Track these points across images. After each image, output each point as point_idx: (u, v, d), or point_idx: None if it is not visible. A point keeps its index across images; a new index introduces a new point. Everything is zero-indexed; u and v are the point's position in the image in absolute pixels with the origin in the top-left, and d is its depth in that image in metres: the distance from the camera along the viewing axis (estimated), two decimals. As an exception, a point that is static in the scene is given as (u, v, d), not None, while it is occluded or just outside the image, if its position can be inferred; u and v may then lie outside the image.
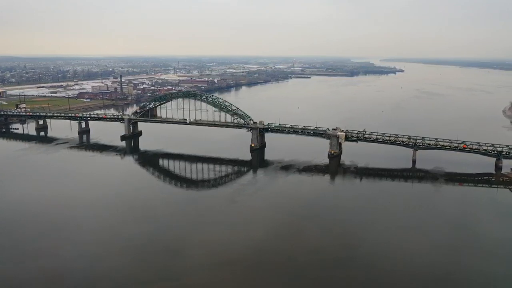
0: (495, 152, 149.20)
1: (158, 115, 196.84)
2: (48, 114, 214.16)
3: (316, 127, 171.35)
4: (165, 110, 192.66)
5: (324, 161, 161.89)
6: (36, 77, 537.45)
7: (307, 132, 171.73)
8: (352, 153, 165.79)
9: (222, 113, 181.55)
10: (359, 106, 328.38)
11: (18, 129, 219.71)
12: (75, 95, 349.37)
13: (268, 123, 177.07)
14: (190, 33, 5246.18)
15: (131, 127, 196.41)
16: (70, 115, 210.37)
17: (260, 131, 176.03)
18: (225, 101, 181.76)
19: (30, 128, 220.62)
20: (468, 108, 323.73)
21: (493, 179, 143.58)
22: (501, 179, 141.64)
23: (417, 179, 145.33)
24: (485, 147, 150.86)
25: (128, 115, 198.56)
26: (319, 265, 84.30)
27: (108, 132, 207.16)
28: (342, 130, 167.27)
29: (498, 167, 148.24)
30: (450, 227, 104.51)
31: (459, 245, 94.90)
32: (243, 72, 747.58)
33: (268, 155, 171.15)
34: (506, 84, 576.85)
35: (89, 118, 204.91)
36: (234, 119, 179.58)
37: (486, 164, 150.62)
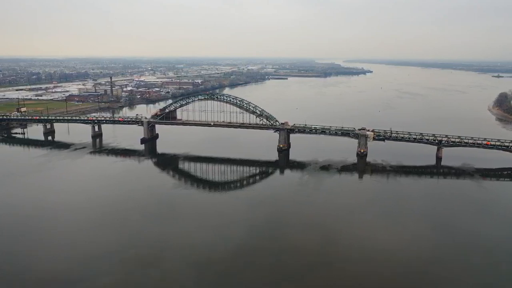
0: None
1: (178, 117, 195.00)
2: (58, 117, 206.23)
3: (342, 127, 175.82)
4: (186, 112, 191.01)
5: (354, 160, 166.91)
6: (10, 79, 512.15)
7: (335, 132, 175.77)
8: (376, 152, 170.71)
9: (246, 115, 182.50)
10: (352, 106, 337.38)
11: (24, 133, 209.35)
12: (63, 98, 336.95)
13: (294, 124, 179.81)
14: (150, 33, 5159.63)
15: (149, 130, 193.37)
16: (83, 118, 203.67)
17: (287, 132, 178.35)
18: (250, 102, 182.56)
19: (32, 132, 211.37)
20: (454, 107, 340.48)
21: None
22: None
23: (445, 175, 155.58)
24: (506, 144, 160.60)
25: (146, 118, 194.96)
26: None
27: (122, 135, 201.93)
28: (369, 130, 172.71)
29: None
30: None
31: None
32: (218, 73, 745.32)
33: (296, 155, 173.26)
34: (475, 84, 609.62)
35: (104, 122, 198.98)
36: (260, 120, 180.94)
37: (504, 160, 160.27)
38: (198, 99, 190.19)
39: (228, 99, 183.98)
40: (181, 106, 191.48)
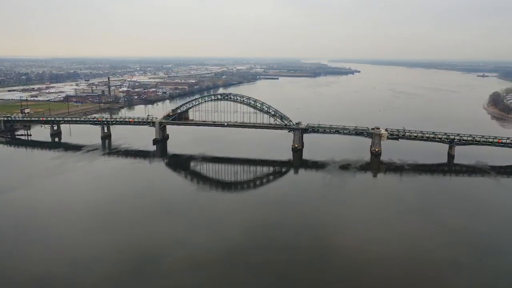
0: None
1: (190, 118, 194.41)
2: (66, 119, 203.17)
3: (356, 127, 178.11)
4: (198, 113, 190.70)
5: (369, 159, 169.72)
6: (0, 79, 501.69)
7: (349, 132, 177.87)
8: (389, 150, 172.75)
9: (258, 115, 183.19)
10: (351, 105, 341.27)
11: (29, 135, 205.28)
12: (59, 99, 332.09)
13: (308, 124, 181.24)
14: (133, 33, 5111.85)
15: (161, 131, 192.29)
16: (92, 119, 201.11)
17: (302, 132, 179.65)
18: (264, 102, 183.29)
19: (36, 133, 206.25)
20: (451, 106, 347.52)
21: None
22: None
23: (457, 173, 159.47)
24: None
25: (157, 118, 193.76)
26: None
27: (131, 136, 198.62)
28: (382, 129, 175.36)
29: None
30: None
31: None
32: (208, 73, 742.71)
33: (311, 155, 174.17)
34: (463, 83, 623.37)
35: (115, 123, 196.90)
36: (274, 120, 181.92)
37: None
38: (211, 100, 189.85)
39: (242, 99, 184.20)
40: (193, 106, 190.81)
